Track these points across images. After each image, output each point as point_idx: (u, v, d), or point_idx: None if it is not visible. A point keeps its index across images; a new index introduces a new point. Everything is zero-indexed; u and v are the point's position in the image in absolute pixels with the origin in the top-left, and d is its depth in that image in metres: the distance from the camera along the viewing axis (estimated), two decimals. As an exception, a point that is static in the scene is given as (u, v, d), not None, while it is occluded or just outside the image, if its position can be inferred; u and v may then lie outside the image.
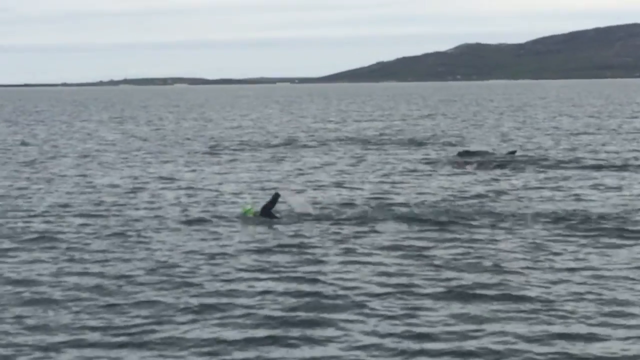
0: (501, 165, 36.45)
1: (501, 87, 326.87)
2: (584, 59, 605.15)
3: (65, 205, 26.47)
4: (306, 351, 12.82)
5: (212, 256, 18.87)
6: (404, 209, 24.64)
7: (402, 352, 12.67)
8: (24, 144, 52.92)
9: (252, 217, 23.16)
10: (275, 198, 23.40)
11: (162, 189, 30.50)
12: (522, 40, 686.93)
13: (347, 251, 19.31)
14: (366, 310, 14.61)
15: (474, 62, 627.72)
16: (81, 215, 24.57)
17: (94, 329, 13.85)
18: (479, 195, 27.80)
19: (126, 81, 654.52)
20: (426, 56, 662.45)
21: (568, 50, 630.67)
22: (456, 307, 14.72)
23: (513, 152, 41.47)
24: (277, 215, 23.39)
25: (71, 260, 18.72)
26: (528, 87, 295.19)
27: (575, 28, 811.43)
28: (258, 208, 23.51)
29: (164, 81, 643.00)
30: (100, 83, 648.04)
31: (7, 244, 20.53)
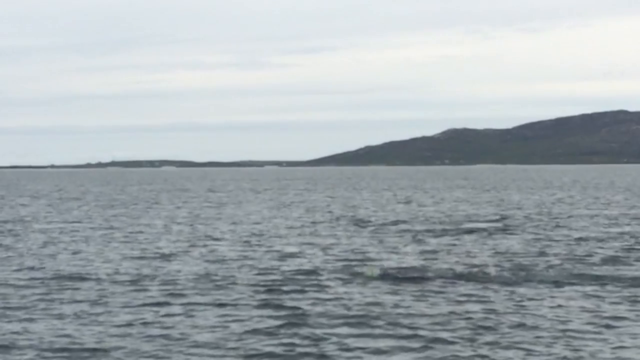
0: None
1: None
2: (571, 144, 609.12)
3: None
4: None
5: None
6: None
7: None
8: None
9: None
10: None
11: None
12: (508, 125, 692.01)
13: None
14: None
15: (461, 146, 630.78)
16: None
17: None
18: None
19: (114, 163, 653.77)
20: (414, 140, 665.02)
21: (554, 135, 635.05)
22: None
23: None
24: None
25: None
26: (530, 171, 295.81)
27: (562, 114, 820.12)
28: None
29: (152, 163, 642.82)
30: (88, 165, 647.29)
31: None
